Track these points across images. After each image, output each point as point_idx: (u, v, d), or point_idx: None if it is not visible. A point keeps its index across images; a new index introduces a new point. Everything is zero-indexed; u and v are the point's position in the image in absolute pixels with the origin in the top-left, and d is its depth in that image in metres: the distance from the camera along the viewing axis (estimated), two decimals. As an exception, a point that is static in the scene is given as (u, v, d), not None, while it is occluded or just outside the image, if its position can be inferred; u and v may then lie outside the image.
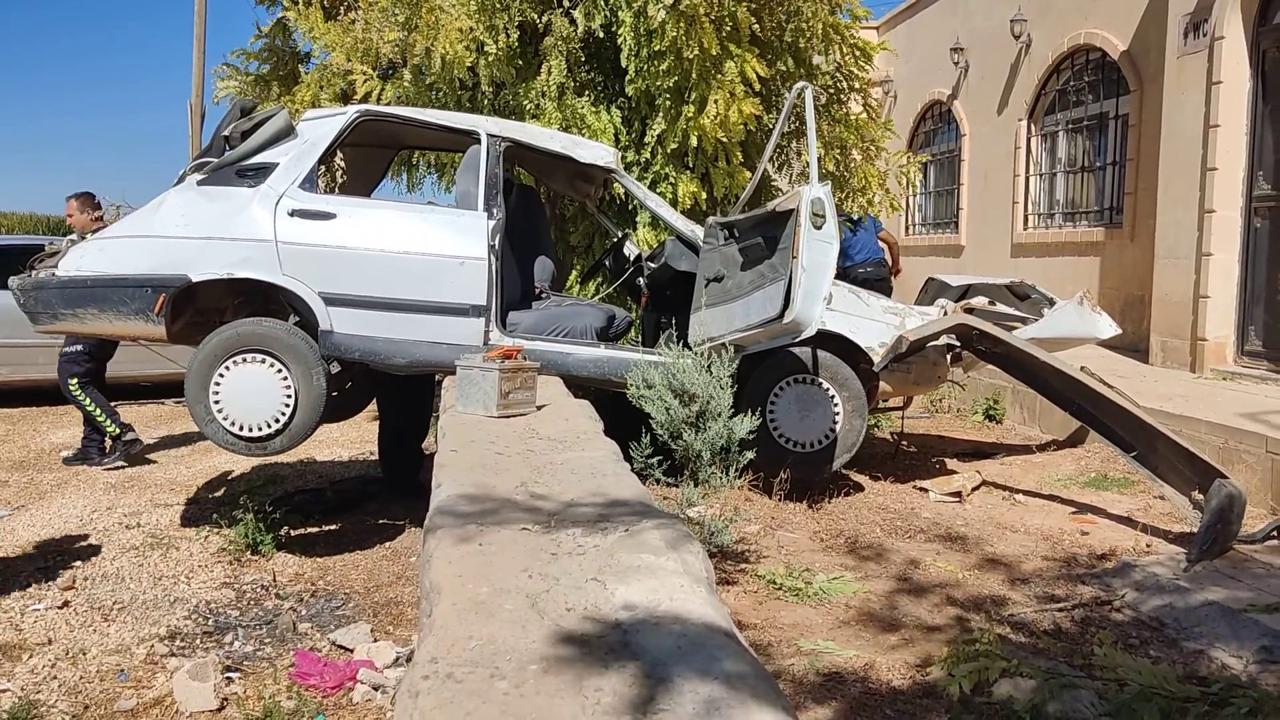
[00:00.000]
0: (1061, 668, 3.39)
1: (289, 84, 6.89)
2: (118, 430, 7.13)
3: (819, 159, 4.93)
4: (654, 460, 4.24)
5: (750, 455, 4.24)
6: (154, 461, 7.51)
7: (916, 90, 15.12)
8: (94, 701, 3.74)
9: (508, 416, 3.88)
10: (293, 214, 4.94)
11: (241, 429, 4.93)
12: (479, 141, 5.23)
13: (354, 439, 8.17)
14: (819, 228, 4.59)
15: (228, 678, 3.91)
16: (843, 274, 7.04)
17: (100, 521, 5.89)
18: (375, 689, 3.88)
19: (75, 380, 7.04)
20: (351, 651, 4.20)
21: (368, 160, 6.35)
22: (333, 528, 5.90)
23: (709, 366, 4.22)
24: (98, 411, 7.06)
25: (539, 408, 4.10)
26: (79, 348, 7.03)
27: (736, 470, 4.16)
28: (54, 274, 4.91)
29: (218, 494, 6.66)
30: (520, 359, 4.05)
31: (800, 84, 4.90)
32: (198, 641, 4.32)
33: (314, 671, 3.98)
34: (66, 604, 4.62)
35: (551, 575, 1.85)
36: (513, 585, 1.79)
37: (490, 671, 1.42)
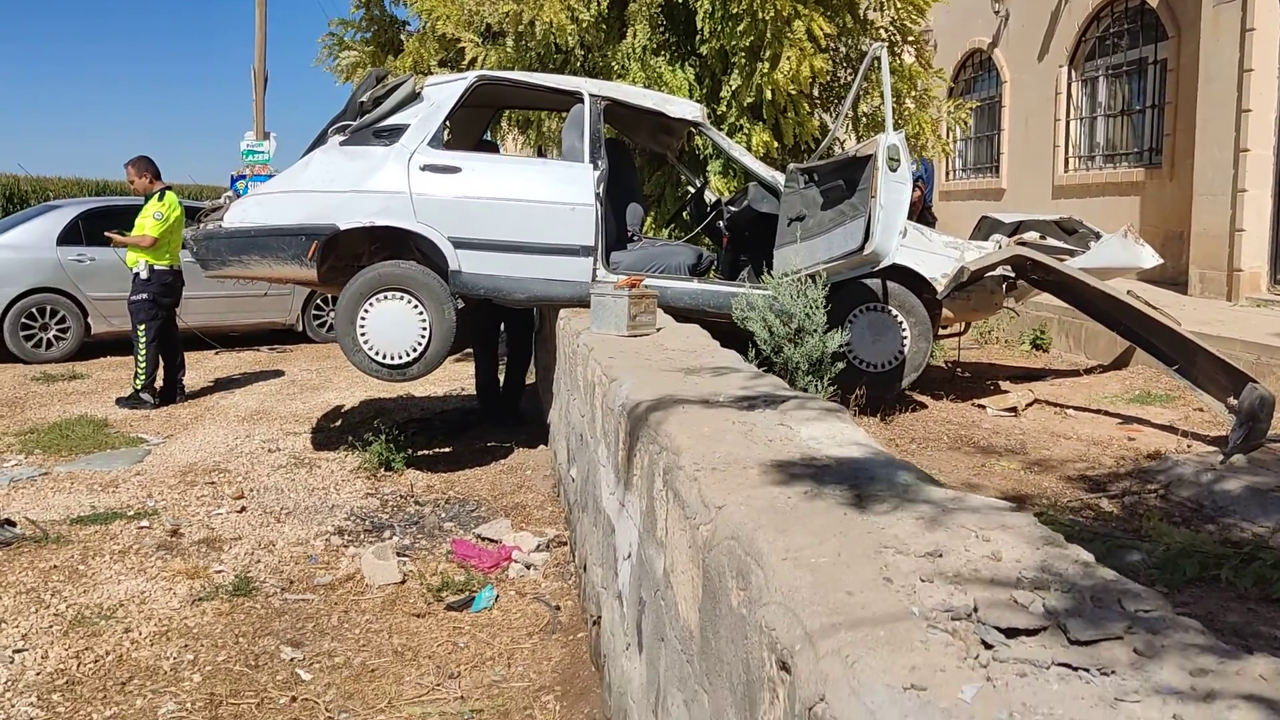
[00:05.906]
0: (1117, 533, 4.03)
1: (392, 50, 7.51)
2: (142, 385, 7.80)
3: (893, 110, 5.50)
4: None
5: (841, 366, 4.88)
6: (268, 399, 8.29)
7: (956, 39, 15.47)
8: (296, 578, 4.49)
9: (635, 336, 4.55)
10: (424, 168, 5.60)
11: (384, 357, 5.64)
12: (582, 101, 5.84)
13: (442, 378, 8.86)
14: (894, 170, 5.19)
15: (400, 560, 4.63)
16: None
17: (244, 447, 6.66)
18: (527, 568, 4.60)
19: (144, 327, 7.75)
20: (498, 542, 4.91)
21: (471, 120, 6.99)
22: (446, 450, 6.63)
23: (805, 291, 4.86)
24: (142, 361, 7.77)
25: (657, 330, 4.77)
26: (144, 296, 7.73)
27: (829, 380, 4.80)
28: (220, 225, 5.61)
29: (336, 424, 7.41)
30: (643, 288, 4.70)
31: (875, 45, 5.47)
32: (362, 537, 5.06)
33: (472, 554, 4.71)
34: (244, 509, 5.38)
35: (749, 422, 2.52)
36: (725, 427, 2.46)
37: (742, 467, 2.09)
